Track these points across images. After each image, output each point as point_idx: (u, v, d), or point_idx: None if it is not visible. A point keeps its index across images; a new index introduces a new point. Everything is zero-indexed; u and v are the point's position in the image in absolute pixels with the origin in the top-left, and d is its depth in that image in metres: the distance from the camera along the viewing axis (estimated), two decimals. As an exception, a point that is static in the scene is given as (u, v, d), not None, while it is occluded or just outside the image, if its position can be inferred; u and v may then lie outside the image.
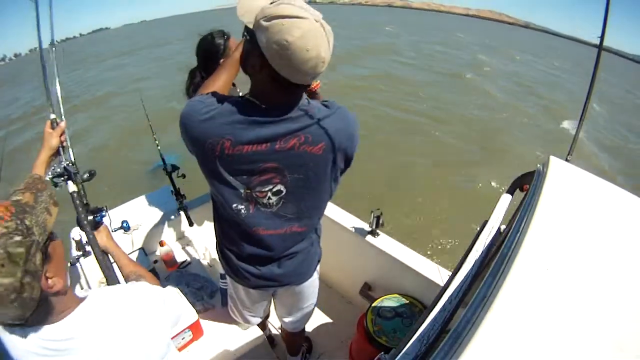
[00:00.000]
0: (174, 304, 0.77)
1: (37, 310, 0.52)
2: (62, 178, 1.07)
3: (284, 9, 0.71)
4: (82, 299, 0.62)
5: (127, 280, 0.89)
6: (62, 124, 1.10)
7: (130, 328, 0.62)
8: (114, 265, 0.99)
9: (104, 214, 1.04)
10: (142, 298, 0.68)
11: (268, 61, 0.74)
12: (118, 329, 0.60)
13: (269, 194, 0.89)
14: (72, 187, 1.07)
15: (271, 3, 0.75)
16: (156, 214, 1.92)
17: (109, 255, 1.00)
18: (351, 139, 0.89)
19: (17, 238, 0.47)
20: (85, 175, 1.12)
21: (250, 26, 0.77)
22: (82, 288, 1.63)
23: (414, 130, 6.94)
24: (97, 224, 1.03)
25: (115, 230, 1.09)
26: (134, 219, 1.90)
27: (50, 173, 1.06)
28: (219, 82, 0.96)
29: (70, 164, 1.08)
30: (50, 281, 0.53)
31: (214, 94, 0.86)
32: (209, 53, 1.43)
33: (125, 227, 1.15)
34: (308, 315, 1.37)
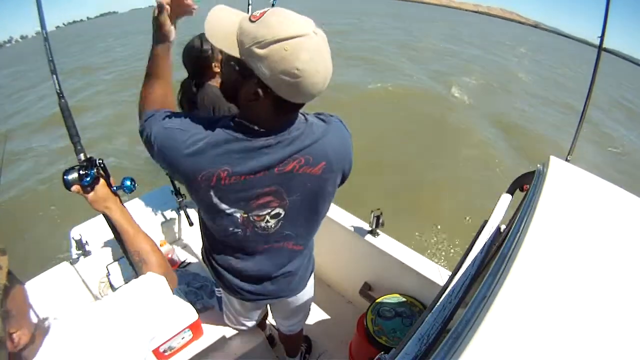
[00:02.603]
0: (158, 312, 0.68)
1: None
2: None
3: (278, 29, 0.60)
4: (45, 330, 0.57)
5: (130, 259, 0.77)
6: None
7: None
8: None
9: (92, 172, 0.75)
10: (110, 329, 0.60)
11: (272, 90, 0.66)
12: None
13: (267, 217, 0.84)
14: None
15: (251, 19, 0.63)
16: (156, 213, 1.92)
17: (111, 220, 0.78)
18: (348, 154, 0.85)
19: None
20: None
21: (235, 54, 0.65)
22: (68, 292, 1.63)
23: (414, 128, 6.94)
24: (86, 185, 0.76)
25: (115, 190, 0.82)
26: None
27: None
28: (161, 96, 0.82)
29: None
30: (15, 338, 0.50)
31: (194, 117, 0.75)
32: (200, 60, 1.38)
33: (127, 187, 0.83)
34: (304, 318, 1.37)
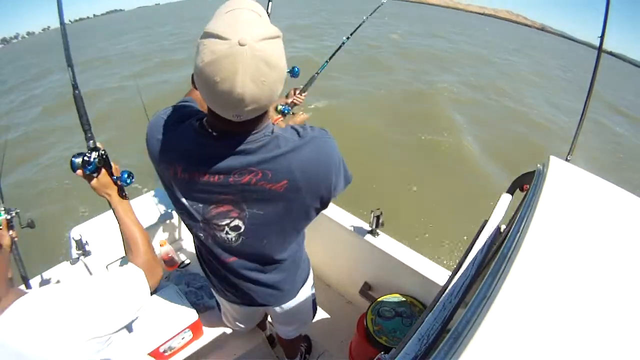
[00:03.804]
0: (122, 303, 0.71)
1: None
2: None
3: (214, 25, 0.58)
4: (22, 294, 0.63)
5: (123, 242, 0.84)
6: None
7: (51, 335, 0.61)
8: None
9: (94, 162, 0.81)
10: (75, 301, 0.65)
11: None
12: (38, 334, 0.60)
13: (227, 228, 0.81)
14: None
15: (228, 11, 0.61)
16: (156, 213, 1.92)
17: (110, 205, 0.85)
18: (325, 176, 0.76)
19: None
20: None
21: None
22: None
23: (416, 128, 6.94)
24: (88, 173, 0.82)
25: (115, 180, 0.88)
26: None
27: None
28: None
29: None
30: None
31: (180, 108, 0.80)
32: None
33: (123, 180, 0.85)
34: (302, 327, 1.34)
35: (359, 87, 9.35)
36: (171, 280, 1.74)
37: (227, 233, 0.82)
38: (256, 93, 0.59)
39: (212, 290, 1.15)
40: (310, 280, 1.14)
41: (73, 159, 0.81)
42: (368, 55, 12.25)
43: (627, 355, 0.44)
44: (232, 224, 0.81)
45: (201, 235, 0.86)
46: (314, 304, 1.26)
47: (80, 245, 1.57)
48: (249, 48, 0.56)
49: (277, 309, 1.11)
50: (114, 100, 8.73)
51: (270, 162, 0.71)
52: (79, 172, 0.81)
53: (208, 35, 0.57)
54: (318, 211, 0.84)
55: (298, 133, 0.74)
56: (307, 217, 0.84)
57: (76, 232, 1.61)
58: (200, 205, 0.80)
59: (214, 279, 1.02)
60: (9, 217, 0.94)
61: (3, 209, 0.96)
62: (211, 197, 0.77)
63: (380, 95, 8.91)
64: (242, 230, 0.81)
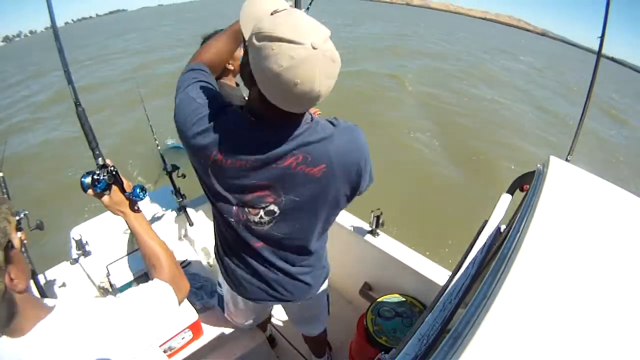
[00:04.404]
0: (154, 321, 0.69)
1: (1, 308, 0.53)
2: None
3: (278, 28, 0.60)
4: (50, 309, 0.61)
5: (144, 259, 0.81)
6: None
7: (87, 351, 0.59)
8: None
9: (103, 181, 0.77)
10: (110, 321, 0.63)
11: (257, 83, 0.67)
12: (76, 350, 0.58)
13: (261, 212, 0.83)
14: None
15: (274, 12, 0.66)
16: (156, 214, 1.92)
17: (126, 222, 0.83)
18: (357, 161, 0.81)
19: None
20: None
21: (245, 37, 0.69)
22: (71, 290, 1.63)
23: (416, 127, 6.94)
24: (99, 192, 0.80)
25: (127, 196, 0.85)
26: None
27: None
28: (212, 50, 0.89)
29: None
30: (14, 280, 0.55)
31: (216, 95, 0.80)
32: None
33: (135, 195, 0.83)
34: (319, 324, 1.34)
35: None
36: (171, 280, 1.73)
37: (261, 217, 0.84)
38: (328, 88, 0.66)
39: (228, 287, 1.11)
40: (327, 279, 1.16)
41: (82, 179, 0.78)
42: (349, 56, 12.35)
43: (627, 355, 0.44)
44: (268, 209, 0.83)
45: (232, 220, 0.86)
46: (328, 300, 1.28)
47: (80, 245, 1.57)
48: (320, 50, 0.61)
49: (296, 305, 1.11)
50: (114, 92, 8.78)
51: (310, 146, 0.75)
52: (90, 191, 0.79)
53: (276, 39, 0.60)
54: (348, 200, 0.88)
55: (332, 123, 0.80)
56: (337, 205, 0.87)
57: (76, 232, 1.61)
58: (237, 192, 0.81)
59: (236, 270, 1.00)
60: (17, 218, 0.93)
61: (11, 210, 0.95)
62: (249, 183, 0.79)
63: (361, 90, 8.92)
64: (276, 214, 0.83)
